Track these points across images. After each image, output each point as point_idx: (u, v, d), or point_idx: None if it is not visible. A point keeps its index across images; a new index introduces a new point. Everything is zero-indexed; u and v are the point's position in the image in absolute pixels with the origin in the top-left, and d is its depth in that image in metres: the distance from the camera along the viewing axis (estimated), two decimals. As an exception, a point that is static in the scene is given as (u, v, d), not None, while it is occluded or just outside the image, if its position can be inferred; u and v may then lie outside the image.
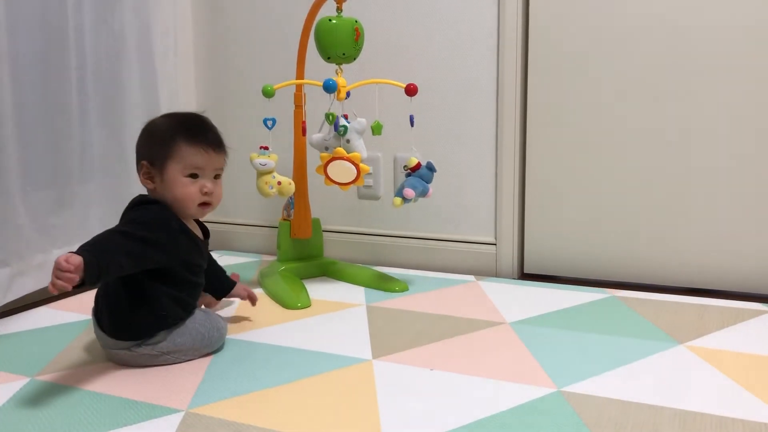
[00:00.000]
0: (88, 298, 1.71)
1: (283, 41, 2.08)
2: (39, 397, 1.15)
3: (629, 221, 1.82)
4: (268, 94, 1.61)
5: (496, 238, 1.95)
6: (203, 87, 2.26)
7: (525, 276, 1.95)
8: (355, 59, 1.66)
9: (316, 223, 1.91)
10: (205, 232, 1.38)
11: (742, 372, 1.21)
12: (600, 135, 1.82)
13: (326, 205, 2.06)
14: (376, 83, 1.71)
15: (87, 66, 1.74)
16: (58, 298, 1.70)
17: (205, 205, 1.27)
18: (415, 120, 1.65)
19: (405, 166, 1.71)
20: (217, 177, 1.29)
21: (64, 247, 1.71)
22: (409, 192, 1.63)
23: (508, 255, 1.93)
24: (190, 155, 1.24)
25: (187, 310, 1.30)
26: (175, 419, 1.06)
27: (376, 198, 2.07)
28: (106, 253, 1.09)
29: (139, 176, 1.28)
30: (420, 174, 1.68)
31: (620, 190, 1.82)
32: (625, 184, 1.81)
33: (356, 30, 1.61)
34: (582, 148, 1.84)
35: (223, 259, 2.13)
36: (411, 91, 1.63)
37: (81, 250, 1.06)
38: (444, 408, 1.09)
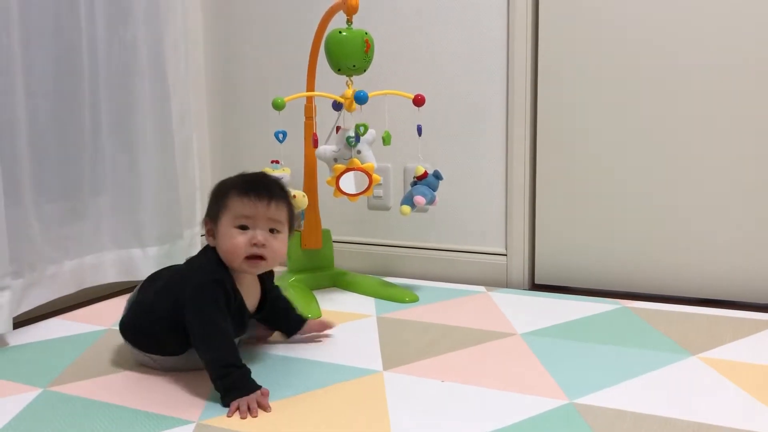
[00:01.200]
0: (100, 308, 1.72)
1: (293, 53, 2.10)
2: (51, 408, 1.16)
3: (640, 231, 1.81)
4: (278, 106, 1.61)
5: (506, 249, 1.94)
6: (214, 99, 2.28)
7: (536, 287, 1.95)
8: (365, 71, 1.66)
9: (327, 233, 1.91)
10: (268, 291, 1.34)
11: (756, 384, 1.20)
12: (610, 145, 1.81)
13: (336, 216, 2.06)
14: (385, 94, 1.71)
15: (99, 78, 1.75)
16: (70, 309, 1.71)
17: (255, 258, 1.21)
18: (425, 131, 1.66)
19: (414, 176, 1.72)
20: (273, 231, 1.23)
21: (76, 259, 1.73)
22: (420, 199, 1.64)
23: (519, 266, 1.92)
24: (238, 206, 1.20)
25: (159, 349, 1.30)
26: (187, 431, 1.06)
27: (386, 209, 2.07)
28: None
29: (205, 235, 1.28)
30: (427, 182, 1.68)
31: (631, 201, 1.81)
32: (636, 194, 1.80)
33: (366, 42, 1.62)
34: (592, 159, 1.84)
35: (234, 269, 2.13)
36: (419, 101, 1.64)
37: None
38: (455, 420, 1.09)
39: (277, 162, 1.68)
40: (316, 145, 1.66)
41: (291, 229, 1.28)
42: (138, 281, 1.86)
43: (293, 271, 1.87)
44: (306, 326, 1.43)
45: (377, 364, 1.32)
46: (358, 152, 1.63)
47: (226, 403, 1.13)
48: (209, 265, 1.23)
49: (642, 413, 1.09)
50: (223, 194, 1.23)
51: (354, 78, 1.66)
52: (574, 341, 1.44)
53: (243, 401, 1.11)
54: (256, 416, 1.09)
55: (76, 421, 1.11)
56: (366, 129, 1.62)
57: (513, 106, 1.88)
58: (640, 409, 1.11)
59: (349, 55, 1.61)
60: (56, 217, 1.68)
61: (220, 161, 2.30)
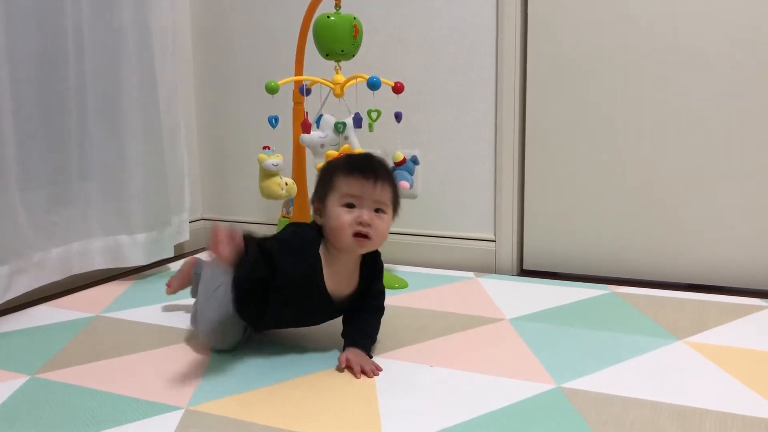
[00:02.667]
0: (88, 295, 1.71)
1: (281, 38, 2.08)
2: (39, 395, 1.15)
3: (628, 217, 1.82)
4: (272, 90, 1.58)
5: (495, 235, 1.95)
6: (202, 85, 2.26)
7: (524, 272, 1.95)
8: (354, 56, 1.65)
9: (316, 220, 1.91)
10: (365, 288, 1.30)
11: (741, 368, 1.21)
12: (599, 132, 1.82)
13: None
14: (356, 80, 1.69)
15: (85, 64, 1.73)
16: (58, 297, 1.70)
17: (361, 236, 1.19)
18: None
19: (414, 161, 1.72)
20: (379, 211, 1.21)
21: (63, 246, 1.71)
22: (405, 184, 1.64)
23: (508, 251, 1.93)
24: (346, 184, 1.21)
25: (247, 315, 1.29)
26: (175, 417, 1.06)
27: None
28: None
29: (312, 213, 1.28)
30: (406, 168, 1.68)
31: (619, 187, 1.82)
32: (624, 180, 1.81)
33: (355, 27, 1.61)
34: (581, 145, 1.84)
35: (223, 256, 2.13)
36: (398, 89, 1.63)
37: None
38: (444, 405, 1.09)
39: (269, 147, 1.67)
40: (308, 130, 1.65)
41: (395, 210, 1.27)
42: (126, 268, 1.87)
43: (282, 257, 1.86)
44: (350, 353, 1.26)
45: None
46: (345, 138, 1.62)
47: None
48: (314, 229, 1.26)
49: (629, 397, 1.10)
50: (330, 174, 1.24)
51: (342, 63, 1.65)
52: (562, 326, 1.44)
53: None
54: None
55: (64, 408, 1.10)
56: (379, 114, 1.61)
57: (502, 93, 1.87)
58: (627, 393, 1.12)
59: (338, 40, 1.60)
60: (43, 203, 1.67)
61: (208, 147, 2.29)
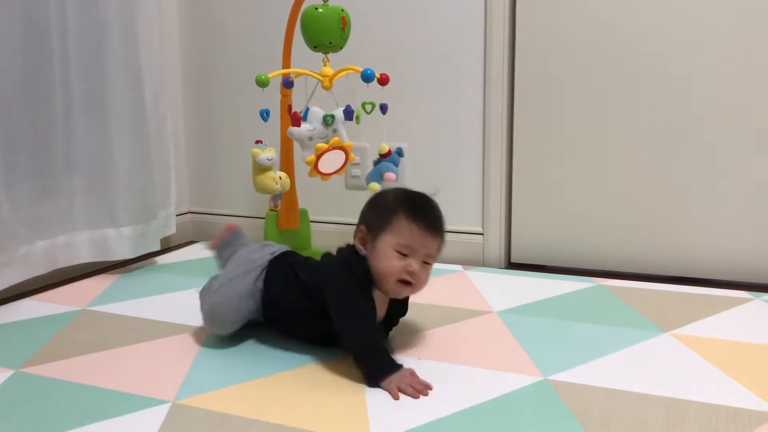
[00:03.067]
0: (73, 289, 1.70)
1: (269, 30, 2.07)
2: (24, 389, 1.14)
3: (615, 211, 1.83)
4: (262, 83, 1.57)
5: (483, 228, 1.95)
6: (189, 77, 2.25)
7: (512, 265, 1.96)
8: (342, 48, 1.64)
9: (304, 213, 1.90)
10: (397, 313, 1.31)
11: (726, 359, 1.22)
12: (586, 126, 1.82)
13: (313, 196, 2.05)
14: (356, 71, 1.69)
15: (70, 56, 1.72)
16: (43, 290, 1.69)
17: (405, 283, 1.20)
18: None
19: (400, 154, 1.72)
20: (426, 263, 1.21)
21: (49, 239, 1.70)
22: (391, 175, 1.65)
23: (495, 244, 1.93)
24: (405, 232, 1.18)
25: (274, 315, 1.31)
26: (162, 410, 1.06)
27: (364, 188, 2.06)
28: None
29: (355, 239, 1.24)
30: (391, 159, 1.68)
31: (606, 181, 1.82)
32: (611, 174, 1.82)
33: (343, 19, 1.60)
34: (569, 139, 1.84)
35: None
36: (383, 81, 1.63)
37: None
38: (431, 397, 1.09)
39: (261, 141, 1.66)
40: (298, 123, 1.63)
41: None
42: (112, 262, 1.86)
43: (270, 251, 1.86)
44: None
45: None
46: (334, 131, 1.62)
47: (375, 381, 1.13)
48: (345, 255, 1.24)
49: (615, 389, 1.11)
50: (389, 211, 1.20)
51: (330, 55, 1.64)
52: (549, 319, 1.45)
53: (403, 384, 1.11)
54: (425, 394, 1.10)
55: (49, 402, 1.09)
56: (374, 107, 1.61)
57: (490, 85, 1.87)
58: (614, 385, 1.12)
59: (326, 32, 1.59)
60: (28, 196, 1.65)
61: (195, 140, 2.28)
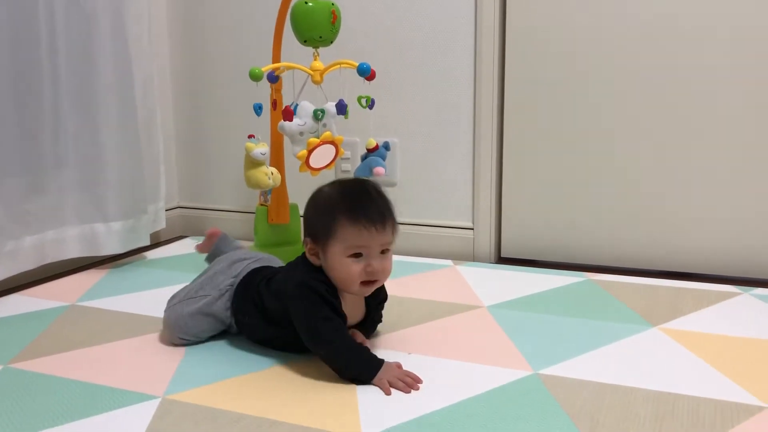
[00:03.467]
0: (63, 284, 1.69)
1: (259, 24, 2.06)
2: (13, 384, 1.14)
3: (605, 206, 1.83)
4: (256, 77, 1.55)
5: (473, 223, 1.95)
6: (178, 72, 2.24)
7: (502, 260, 1.96)
8: (332, 42, 1.64)
9: (294, 208, 1.90)
10: (372, 309, 1.27)
11: (714, 353, 1.23)
12: (575, 122, 1.83)
13: (303, 190, 2.02)
14: (341, 66, 1.68)
15: (58, 50, 1.70)
16: (32, 285, 1.68)
17: (369, 283, 1.16)
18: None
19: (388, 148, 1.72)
20: (384, 252, 1.17)
21: (37, 234, 1.69)
22: (381, 170, 1.65)
23: (486, 239, 1.94)
24: (352, 235, 1.13)
25: (257, 337, 1.28)
26: (152, 406, 1.06)
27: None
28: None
29: (305, 251, 1.20)
30: (379, 154, 1.68)
31: (595, 175, 1.83)
32: (600, 168, 1.82)
33: (333, 13, 1.60)
34: (558, 134, 1.85)
35: (200, 245, 2.11)
36: (370, 76, 1.63)
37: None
38: (422, 392, 1.10)
39: (254, 136, 1.65)
40: (290, 117, 1.62)
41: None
42: (101, 257, 1.85)
43: (260, 245, 1.86)
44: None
45: (344, 338, 1.32)
46: (324, 125, 1.61)
47: (366, 383, 1.12)
48: (306, 268, 1.19)
49: (604, 383, 1.11)
50: (329, 217, 1.15)
51: (320, 50, 1.64)
52: (539, 313, 1.46)
53: (393, 378, 1.10)
54: (416, 388, 1.09)
55: (38, 398, 1.09)
56: (369, 101, 1.60)
57: (480, 80, 1.87)
58: (603, 379, 1.13)
59: (316, 27, 1.58)
60: (17, 192, 1.64)
61: (185, 135, 2.27)
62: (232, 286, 1.30)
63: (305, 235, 1.21)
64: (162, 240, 2.18)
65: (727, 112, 1.69)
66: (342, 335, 1.16)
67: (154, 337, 1.34)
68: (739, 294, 1.58)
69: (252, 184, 1.67)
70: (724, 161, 1.71)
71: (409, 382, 1.11)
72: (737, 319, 1.42)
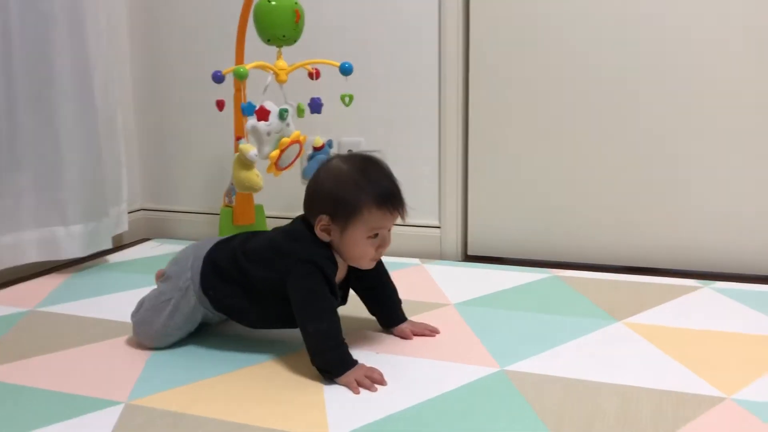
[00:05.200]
0: (20, 289, 1.65)
1: (222, 23, 2.04)
2: (-31, 394, 1.11)
3: (569, 203, 1.85)
4: (242, 76, 1.53)
5: (440, 222, 1.96)
6: (140, 71, 2.20)
7: (469, 258, 1.97)
8: (296, 41, 1.63)
9: (260, 209, 1.88)
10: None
11: (676, 346, 1.25)
12: (540, 121, 1.84)
13: (267, 190, 2.02)
14: (313, 63, 1.68)
15: (14, 50, 1.66)
16: (-11, 292, 1.64)
17: (375, 258, 1.22)
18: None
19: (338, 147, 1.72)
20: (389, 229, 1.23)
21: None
22: None
23: (453, 238, 1.94)
24: (376, 219, 1.17)
25: (245, 319, 1.27)
26: (115, 411, 1.04)
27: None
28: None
29: (315, 227, 1.19)
30: (325, 152, 1.68)
31: (560, 174, 1.85)
32: (564, 167, 1.84)
33: (296, 12, 1.59)
34: (523, 132, 1.86)
35: (164, 247, 2.08)
36: (314, 75, 1.63)
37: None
38: (389, 391, 1.09)
39: (242, 137, 1.62)
40: (265, 117, 1.60)
41: None
42: (61, 261, 1.81)
43: (225, 247, 1.83)
44: (402, 327, 1.34)
45: (311, 339, 1.31)
46: (287, 125, 1.61)
47: (332, 378, 1.12)
48: (315, 243, 1.19)
49: (570, 378, 1.13)
50: (357, 200, 1.16)
51: (284, 49, 1.63)
52: (505, 310, 1.46)
53: (360, 377, 1.11)
54: (376, 390, 1.09)
55: (-3, 406, 1.06)
56: (351, 99, 1.60)
57: (445, 79, 1.88)
58: (569, 374, 1.14)
59: (279, 25, 1.58)
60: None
61: (147, 135, 2.23)
62: (190, 279, 1.26)
63: (319, 212, 1.19)
64: (125, 243, 2.14)
65: (692, 110, 1.73)
66: (333, 320, 1.16)
67: (118, 341, 1.32)
68: (700, 288, 1.61)
69: (246, 186, 1.63)
70: (685, 159, 1.75)
71: (376, 379, 1.11)
72: (698, 312, 1.44)
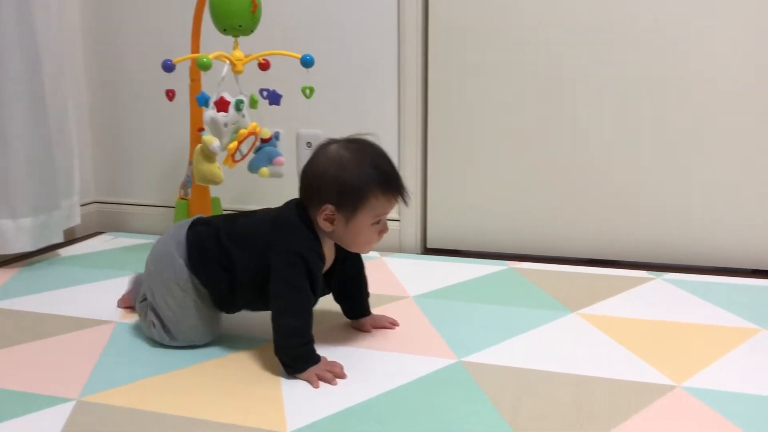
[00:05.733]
0: (-32, 285, 1.60)
1: (177, 12, 2.00)
2: None
3: (526, 197, 1.87)
4: (205, 66, 1.50)
5: (399, 215, 1.96)
6: (93, 60, 2.14)
7: (428, 251, 1.98)
8: (252, 32, 1.61)
9: (216, 202, 1.86)
10: (341, 256, 1.27)
11: (629, 336, 1.28)
12: (497, 117, 1.86)
13: (226, 184, 1.99)
14: (271, 55, 1.66)
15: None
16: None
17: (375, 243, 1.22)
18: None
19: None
20: None
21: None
22: (282, 159, 1.65)
23: (412, 231, 1.95)
24: (382, 205, 1.17)
25: (222, 304, 1.25)
26: (66, 408, 1.01)
27: (279, 176, 2.03)
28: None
29: (318, 216, 1.16)
30: (273, 144, 1.67)
31: (517, 167, 1.87)
32: (521, 162, 1.86)
33: (253, 2, 1.57)
34: (481, 126, 1.87)
35: (119, 241, 2.04)
36: (263, 66, 1.61)
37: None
38: (348, 384, 1.09)
39: (204, 129, 1.59)
40: (225, 108, 1.56)
41: None
42: (10, 255, 1.76)
43: (181, 240, 1.81)
44: (371, 319, 1.34)
45: (270, 333, 1.30)
46: (243, 116, 1.59)
47: (294, 373, 1.11)
48: (305, 234, 1.17)
49: (526, 368, 1.14)
50: (363, 188, 1.14)
51: (240, 39, 1.60)
52: (463, 302, 1.48)
53: (321, 371, 1.11)
54: (336, 383, 1.09)
55: (-59, 405, 1.03)
56: (312, 91, 1.58)
57: (404, 72, 1.88)
58: (525, 365, 1.16)
59: (235, 15, 1.55)
60: None
61: (100, 127, 2.18)
62: (181, 284, 1.23)
63: (322, 201, 1.15)
64: (77, 236, 2.09)
65: (646, 106, 1.76)
66: (306, 318, 1.15)
67: (70, 336, 1.29)
68: (652, 279, 1.64)
69: (208, 179, 1.59)
70: (634, 153, 1.78)
71: (337, 373, 1.11)
72: (650, 303, 1.48)
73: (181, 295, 1.22)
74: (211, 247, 1.21)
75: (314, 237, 1.17)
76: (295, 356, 1.13)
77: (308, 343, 1.14)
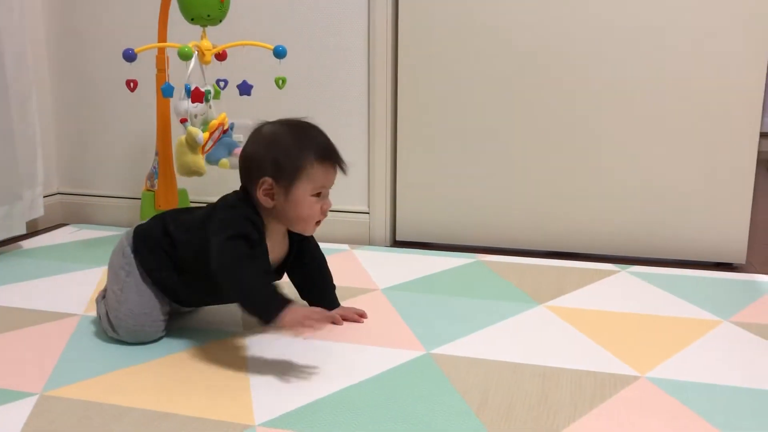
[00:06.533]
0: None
1: (144, 1, 1.96)
2: None
3: (494, 190, 1.88)
4: (186, 56, 1.47)
5: (369, 207, 1.96)
6: (56, 49, 2.10)
7: (397, 243, 1.99)
8: (221, 21, 1.59)
9: (183, 193, 1.84)
10: (294, 249, 1.27)
11: (595, 328, 1.30)
12: (468, 107, 1.86)
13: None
14: (243, 45, 1.64)
15: None
16: None
17: (318, 222, 1.21)
18: (284, 90, 1.62)
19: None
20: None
21: None
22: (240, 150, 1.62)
23: (381, 223, 1.95)
24: (320, 175, 1.17)
25: (175, 296, 1.23)
26: (28, 403, 0.99)
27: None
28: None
29: (257, 192, 1.16)
30: (230, 135, 1.66)
31: (485, 162, 1.88)
32: (489, 156, 1.87)
33: (222, -9, 1.55)
34: (450, 120, 1.88)
35: (83, 233, 2.01)
36: (221, 56, 1.60)
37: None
38: (316, 376, 1.09)
39: (186, 120, 1.56)
40: (200, 99, 1.54)
41: None
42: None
43: (148, 232, 1.78)
44: (340, 311, 1.34)
45: (237, 325, 1.30)
46: (209, 107, 1.57)
47: (269, 321, 1.07)
48: (243, 210, 1.16)
49: (493, 360, 1.15)
50: (300, 158, 1.15)
51: (208, 29, 1.58)
52: (431, 295, 1.48)
53: (300, 318, 1.06)
54: (321, 329, 1.08)
55: None
56: (284, 82, 1.57)
57: (374, 65, 1.87)
58: (492, 356, 1.16)
59: (203, 4, 1.53)
60: None
61: (65, 117, 2.14)
62: (126, 267, 1.22)
63: (261, 176, 1.16)
64: (40, 228, 2.05)
65: (609, 99, 1.78)
66: (255, 264, 1.12)
67: (33, 330, 1.27)
68: (618, 272, 1.67)
69: (192, 170, 1.56)
70: (603, 147, 1.80)
71: (317, 318, 1.07)
72: (615, 295, 1.50)
73: (123, 278, 1.21)
74: (157, 235, 1.22)
75: (255, 213, 1.17)
76: (257, 305, 1.10)
77: (268, 285, 1.10)
